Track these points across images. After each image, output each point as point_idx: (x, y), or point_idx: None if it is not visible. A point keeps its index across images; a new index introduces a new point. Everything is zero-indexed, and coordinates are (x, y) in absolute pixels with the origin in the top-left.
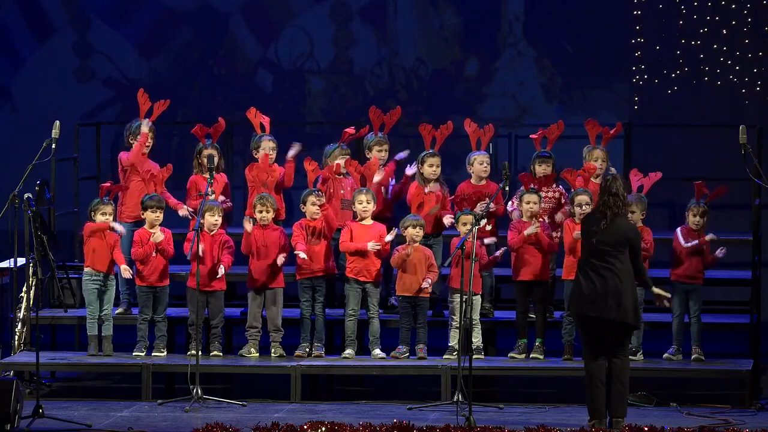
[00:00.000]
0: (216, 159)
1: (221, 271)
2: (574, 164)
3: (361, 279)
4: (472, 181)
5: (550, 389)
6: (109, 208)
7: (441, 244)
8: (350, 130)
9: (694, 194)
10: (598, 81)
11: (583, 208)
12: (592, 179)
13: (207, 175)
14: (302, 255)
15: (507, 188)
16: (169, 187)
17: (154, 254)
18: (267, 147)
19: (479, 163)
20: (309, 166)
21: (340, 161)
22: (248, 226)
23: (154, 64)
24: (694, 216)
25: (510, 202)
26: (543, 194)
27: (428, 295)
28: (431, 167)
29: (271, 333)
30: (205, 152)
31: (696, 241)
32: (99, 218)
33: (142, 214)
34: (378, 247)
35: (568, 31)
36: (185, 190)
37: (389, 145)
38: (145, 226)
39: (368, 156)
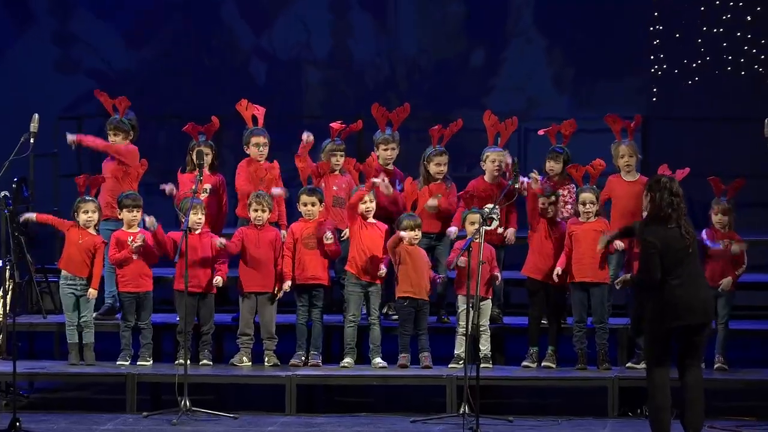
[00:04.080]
0: (206, 155)
1: (217, 282)
2: (588, 160)
3: (364, 279)
4: (486, 178)
5: (562, 400)
6: (92, 206)
7: (446, 245)
8: (336, 124)
9: (713, 192)
10: (612, 71)
11: (587, 206)
12: (621, 176)
13: (197, 172)
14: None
15: (517, 186)
16: (157, 186)
17: (134, 257)
18: (256, 142)
19: (492, 161)
20: (300, 164)
21: (332, 157)
22: (278, 191)
23: (141, 54)
24: (716, 215)
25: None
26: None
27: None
28: (438, 166)
29: (265, 340)
30: (198, 149)
31: (719, 245)
32: (82, 217)
33: (119, 213)
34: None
35: (581, 18)
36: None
37: (399, 143)
38: (123, 227)
39: (376, 154)
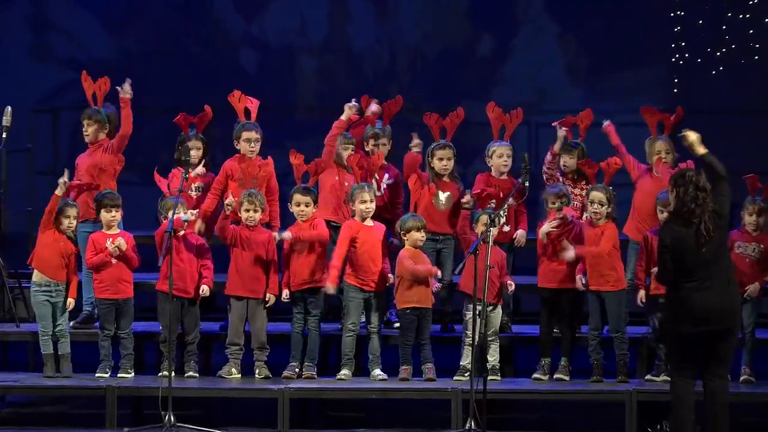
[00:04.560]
0: (194, 152)
1: (204, 291)
2: (602, 157)
3: (366, 288)
4: (493, 173)
5: (577, 416)
6: (73, 211)
7: (452, 247)
8: (353, 116)
9: (747, 190)
10: (630, 61)
11: (595, 206)
12: (653, 173)
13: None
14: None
15: (527, 184)
16: (141, 184)
17: (113, 261)
18: (247, 137)
19: (498, 156)
20: (295, 160)
21: (343, 152)
22: (230, 200)
23: (123, 42)
24: (750, 215)
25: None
26: (571, 188)
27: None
28: (442, 161)
29: (256, 350)
30: (188, 144)
31: (750, 247)
32: (63, 222)
33: (97, 213)
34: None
35: (596, 3)
36: (154, 186)
37: (391, 137)
38: (102, 229)
39: (366, 149)
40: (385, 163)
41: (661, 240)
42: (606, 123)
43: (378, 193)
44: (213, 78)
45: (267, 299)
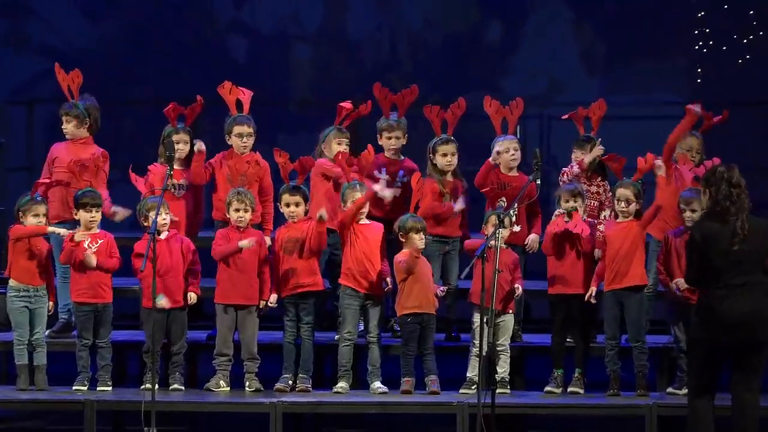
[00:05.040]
0: (181, 145)
1: (191, 299)
2: (620, 151)
3: (362, 290)
4: (502, 170)
5: (591, 431)
6: (42, 208)
7: (458, 251)
8: (347, 104)
9: None
10: (650, 49)
11: (621, 204)
12: (678, 168)
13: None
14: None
15: (539, 181)
16: (123, 181)
17: (93, 263)
18: (239, 132)
19: (505, 151)
20: (280, 158)
21: (338, 148)
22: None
23: (103, 30)
24: None
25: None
26: (585, 188)
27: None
28: (445, 157)
29: (246, 361)
30: (175, 137)
31: None
32: (30, 220)
33: (75, 213)
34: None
35: None
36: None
37: (406, 131)
38: (80, 228)
39: (380, 143)
40: (401, 157)
41: (691, 236)
42: (658, 165)
43: (386, 194)
44: (199, 68)
45: (261, 306)
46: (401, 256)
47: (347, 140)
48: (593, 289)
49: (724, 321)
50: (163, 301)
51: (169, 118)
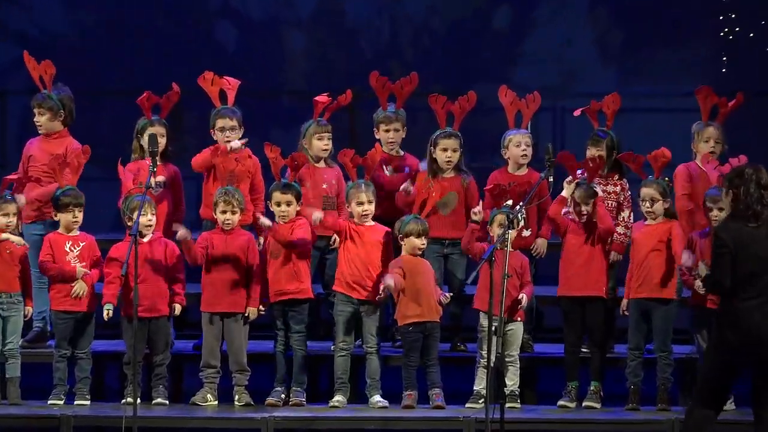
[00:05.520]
0: (162, 139)
1: (176, 311)
2: (638, 146)
3: (355, 296)
4: (509, 169)
5: None
6: (12, 207)
7: (461, 253)
8: (322, 98)
9: None
10: (671, 36)
11: (646, 204)
12: (698, 164)
13: (150, 162)
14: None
15: (551, 178)
16: (102, 178)
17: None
18: (222, 126)
19: (515, 145)
20: (271, 153)
21: (319, 144)
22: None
23: (80, 16)
24: None
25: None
26: (601, 188)
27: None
28: (445, 152)
29: (234, 374)
30: (151, 130)
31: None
32: (0, 220)
33: (55, 214)
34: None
35: None
36: (115, 182)
37: (405, 123)
38: (60, 230)
39: (377, 136)
40: (401, 153)
41: (718, 238)
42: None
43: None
44: (185, 57)
45: (248, 314)
46: (389, 279)
47: (328, 134)
48: (625, 302)
49: (751, 334)
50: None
51: (143, 108)
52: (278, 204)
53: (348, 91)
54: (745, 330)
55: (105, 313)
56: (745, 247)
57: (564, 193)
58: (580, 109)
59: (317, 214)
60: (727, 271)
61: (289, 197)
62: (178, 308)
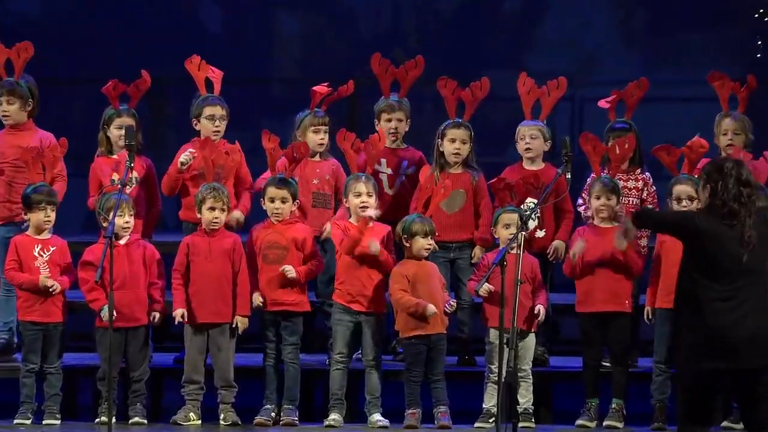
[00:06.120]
0: (136, 131)
1: (155, 320)
2: (665, 138)
3: (355, 308)
4: (524, 164)
5: None
6: None
7: (469, 258)
8: (321, 88)
9: None
10: (701, 18)
11: (683, 203)
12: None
13: (119, 157)
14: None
15: (569, 175)
16: (71, 175)
17: (49, 285)
18: (210, 114)
19: (520, 138)
20: (269, 143)
21: (315, 137)
22: (185, 158)
23: None
24: None
25: (580, 198)
26: (621, 184)
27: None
28: (453, 143)
29: (220, 390)
30: (118, 121)
31: None
32: None
33: (25, 213)
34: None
35: None
36: (86, 179)
37: (408, 113)
38: (29, 232)
39: (378, 127)
40: (404, 145)
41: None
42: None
43: (388, 191)
44: (167, 43)
45: (235, 324)
46: (401, 268)
47: (326, 127)
48: (648, 309)
49: (726, 340)
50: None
51: (109, 98)
52: (272, 200)
53: (350, 81)
54: (713, 335)
55: (103, 316)
56: (721, 243)
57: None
58: (607, 99)
59: (375, 245)
60: (670, 225)
61: (285, 193)
62: (157, 317)
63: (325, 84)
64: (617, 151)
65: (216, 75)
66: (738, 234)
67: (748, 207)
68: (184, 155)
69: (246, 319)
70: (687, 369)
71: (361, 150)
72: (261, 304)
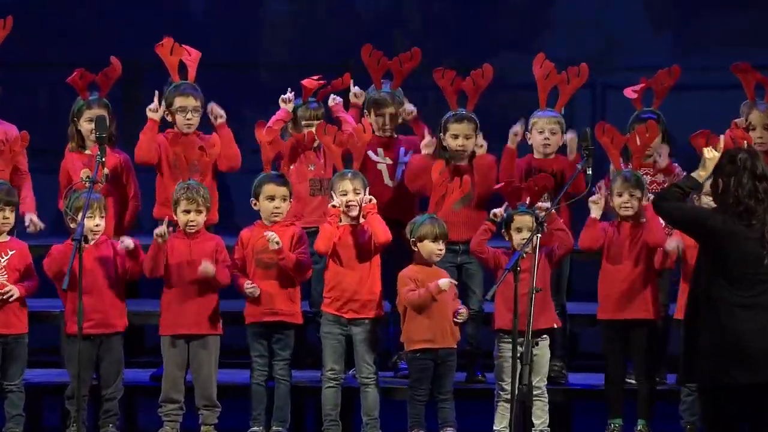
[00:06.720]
0: (109, 123)
1: (125, 242)
2: (694, 129)
3: (346, 315)
4: (535, 154)
5: None
6: None
7: (482, 264)
8: (310, 82)
9: None
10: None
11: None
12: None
13: (91, 151)
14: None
15: (589, 170)
16: (38, 170)
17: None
18: (182, 105)
19: (539, 131)
20: (264, 136)
21: (310, 129)
22: (161, 230)
23: None
24: None
25: (596, 188)
26: (648, 179)
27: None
28: (456, 138)
29: (201, 410)
30: (88, 113)
31: None
32: None
33: None
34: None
35: None
36: (53, 175)
37: (402, 104)
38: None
39: (368, 121)
40: (395, 135)
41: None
42: None
43: (389, 183)
44: (143, 25)
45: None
46: (408, 272)
47: (319, 120)
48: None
49: (732, 343)
50: None
51: (77, 88)
52: (272, 198)
53: (346, 74)
54: (733, 343)
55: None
56: (738, 243)
57: (592, 214)
58: (634, 88)
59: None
60: (681, 222)
61: (285, 191)
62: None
63: (317, 77)
64: (638, 142)
65: (192, 58)
66: (758, 234)
67: (765, 204)
68: (159, 228)
69: (211, 266)
70: (702, 378)
71: (344, 144)
72: (254, 291)
